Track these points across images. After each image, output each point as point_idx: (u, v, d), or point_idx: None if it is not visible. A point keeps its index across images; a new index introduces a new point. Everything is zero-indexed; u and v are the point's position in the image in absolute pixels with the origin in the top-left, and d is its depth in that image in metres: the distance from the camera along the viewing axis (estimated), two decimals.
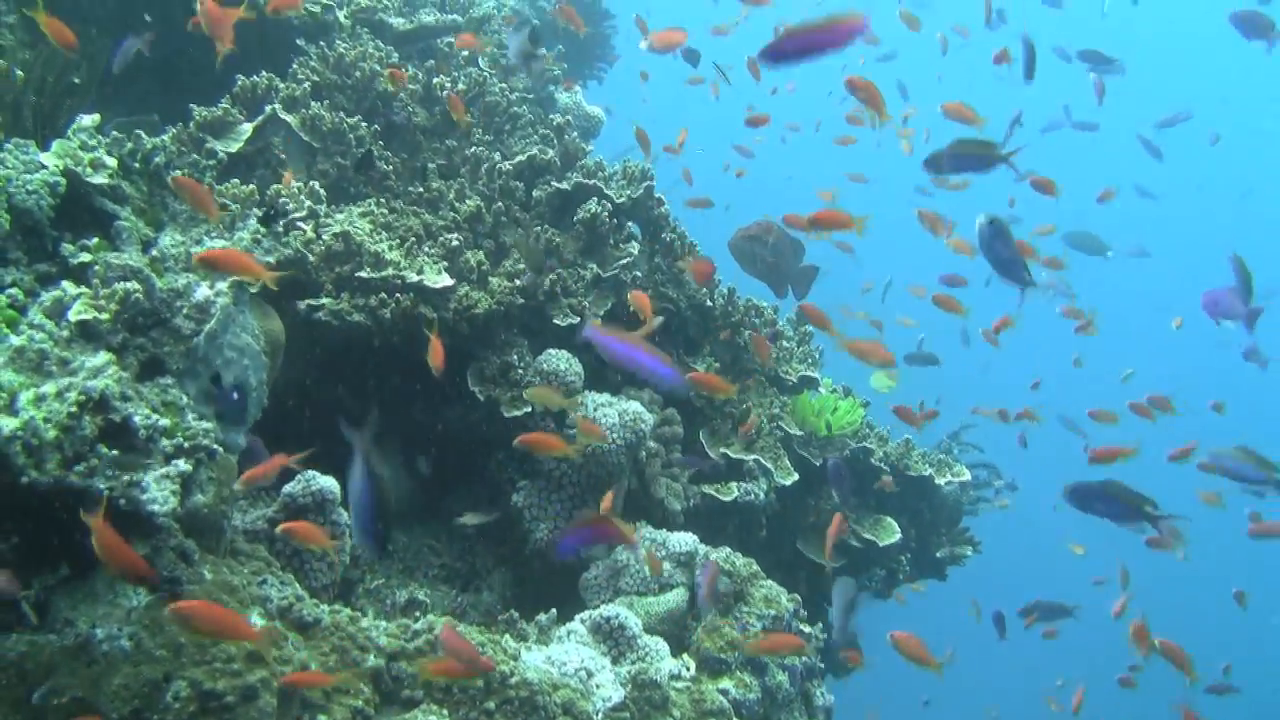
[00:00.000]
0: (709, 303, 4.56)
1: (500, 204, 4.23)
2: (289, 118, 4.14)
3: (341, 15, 4.97)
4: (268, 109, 4.15)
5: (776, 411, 4.74)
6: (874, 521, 5.22)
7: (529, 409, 3.89)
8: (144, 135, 3.10)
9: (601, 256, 4.30)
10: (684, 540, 3.86)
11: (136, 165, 3.06)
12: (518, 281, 3.98)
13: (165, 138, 3.12)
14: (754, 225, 4.56)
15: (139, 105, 4.75)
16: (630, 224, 4.55)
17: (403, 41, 5.24)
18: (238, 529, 3.07)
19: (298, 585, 2.96)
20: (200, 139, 4.03)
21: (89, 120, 3.02)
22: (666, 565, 3.81)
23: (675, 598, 3.75)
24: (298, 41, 4.76)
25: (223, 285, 2.90)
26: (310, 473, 3.32)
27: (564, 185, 4.37)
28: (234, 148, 4.04)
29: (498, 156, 4.43)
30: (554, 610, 3.58)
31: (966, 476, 5.71)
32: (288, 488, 3.30)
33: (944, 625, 5.96)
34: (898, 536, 5.16)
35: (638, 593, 3.78)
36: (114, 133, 3.08)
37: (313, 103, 4.23)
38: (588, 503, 3.96)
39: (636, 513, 4.15)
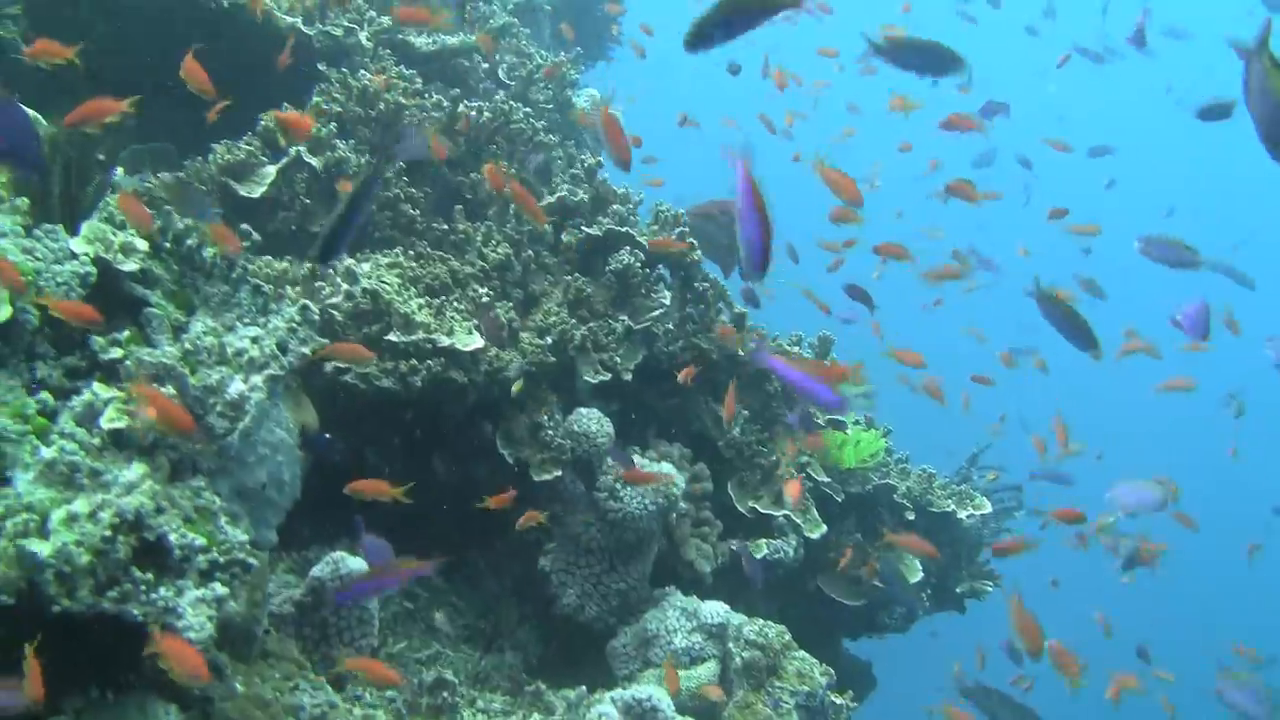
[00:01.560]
0: (740, 352, 4.44)
1: (529, 252, 4.10)
2: (313, 160, 4.01)
3: (363, 37, 4.81)
4: (292, 151, 4.01)
5: (805, 459, 4.64)
6: (896, 558, 5.15)
7: (558, 473, 3.79)
8: (174, 214, 2.97)
9: (633, 307, 4.19)
10: (715, 611, 3.78)
11: (167, 245, 2.93)
12: (548, 339, 3.86)
13: (205, 226, 2.96)
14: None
15: (151, 128, 4.61)
16: (661, 268, 4.42)
17: (425, 62, 5.08)
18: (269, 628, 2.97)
19: (329, 691, 2.87)
20: (223, 183, 3.90)
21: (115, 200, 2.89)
22: (698, 637, 3.72)
23: (707, 672, 3.67)
24: (319, 66, 4.61)
25: (257, 379, 2.78)
26: (339, 554, 3.23)
27: (595, 231, 4.24)
28: (257, 192, 3.92)
29: None
30: (583, 687, 3.50)
31: (987, 509, 5.63)
32: (316, 570, 3.21)
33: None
34: (920, 576, 5.09)
35: None
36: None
37: (338, 143, 4.09)
38: (616, 569, 3.87)
39: (665, 574, 4.06)
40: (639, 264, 4.15)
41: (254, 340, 2.84)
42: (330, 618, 3.20)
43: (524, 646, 3.98)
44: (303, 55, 4.64)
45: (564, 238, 4.26)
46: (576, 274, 4.19)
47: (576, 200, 4.36)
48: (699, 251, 4.40)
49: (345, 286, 3.27)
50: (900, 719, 6.88)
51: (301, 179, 4.03)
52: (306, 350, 2.89)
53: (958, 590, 5.63)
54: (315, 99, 4.42)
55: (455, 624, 3.97)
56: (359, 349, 3.18)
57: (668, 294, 4.24)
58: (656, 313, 4.16)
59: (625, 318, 4.12)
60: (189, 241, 2.91)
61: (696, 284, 4.35)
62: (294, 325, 2.89)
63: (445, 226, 4.19)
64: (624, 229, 4.25)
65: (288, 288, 3.15)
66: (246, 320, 2.92)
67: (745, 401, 4.57)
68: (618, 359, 4.03)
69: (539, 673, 3.91)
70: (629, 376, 4.07)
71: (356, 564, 3.19)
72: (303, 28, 4.60)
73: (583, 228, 4.28)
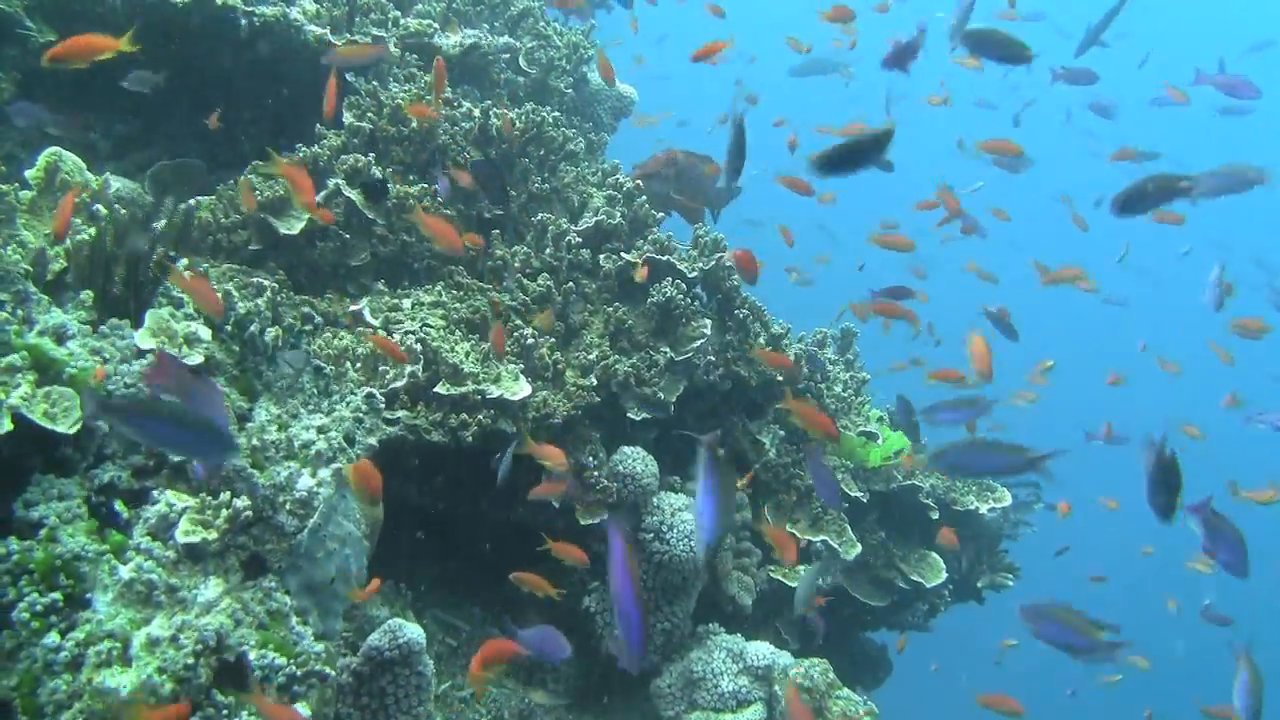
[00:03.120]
0: (779, 377, 4.41)
1: (570, 284, 4.06)
2: (352, 193, 3.93)
3: (391, 43, 4.70)
4: (330, 183, 3.94)
5: (841, 478, 4.64)
6: (920, 558, 5.17)
7: (604, 517, 3.78)
8: (235, 295, 2.92)
9: (674, 338, 4.15)
10: (762, 652, 3.80)
11: (229, 329, 2.89)
12: (592, 378, 3.83)
13: (262, 301, 2.91)
14: (650, 161, 4.31)
15: (173, 143, 4.53)
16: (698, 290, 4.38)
17: (454, 64, 4.97)
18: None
19: None
20: (260, 220, 3.83)
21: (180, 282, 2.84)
22: (744, 679, 3.75)
23: (754, 715, 3.71)
24: (347, 78, 4.51)
25: (325, 474, 2.76)
26: (396, 622, 3.22)
27: (634, 258, 4.19)
28: (296, 229, 3.85)
29: (565, 223, 4.23)
30: None
31: (1008, 501, 5.65)
32: (373, 639, 3.21)
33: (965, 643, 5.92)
34: (944, 575, 5.12)
35: (714, 709, 3.72)
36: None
37: (375, 170, 4.01)
38: (660, 608, 3.88)
39: (706, 607, 4.08)
40: (681, 295, 4.11)
41: (320, 431, 2.81)
42: (388, 686, 3.20)
43: (565, 679, 4.00)
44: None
45: (602, 262, 4.20)
46: (616, 303, 4.14)
47: (614, 224, 4.30)
48: (738, 278, 4.36)
49: (408, 367, 3.22)
50: (917, 701, 6.97)
51: (339, 209, 3.96)
52: (373, 441, 2.86)
53: (979, 585, 5.67)
54: (347, 116, 4.33)
55: None
56: None
57: (708, 322, 4.19)
58: (698, 343, 4.12)
59: (667, 349, 4.08)
60: (251, 327, 2.86)
61: (736, 310, 4.31)
62: (360, 415, 2.86)
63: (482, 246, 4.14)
64: (665, 258, 4.19)
65: (349, 367, 3.10)
66: (310, 406, 2.89)
67: (782, 422, 4.56)
68: (660, 394, 3.99)
69: (581, 708, 3.94)
70: (671, 411, 4.04)
71: (414, 631, 3.19)
72: (330, 38, 4.48)
73: (622, 254, 4.22)
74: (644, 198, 4.41)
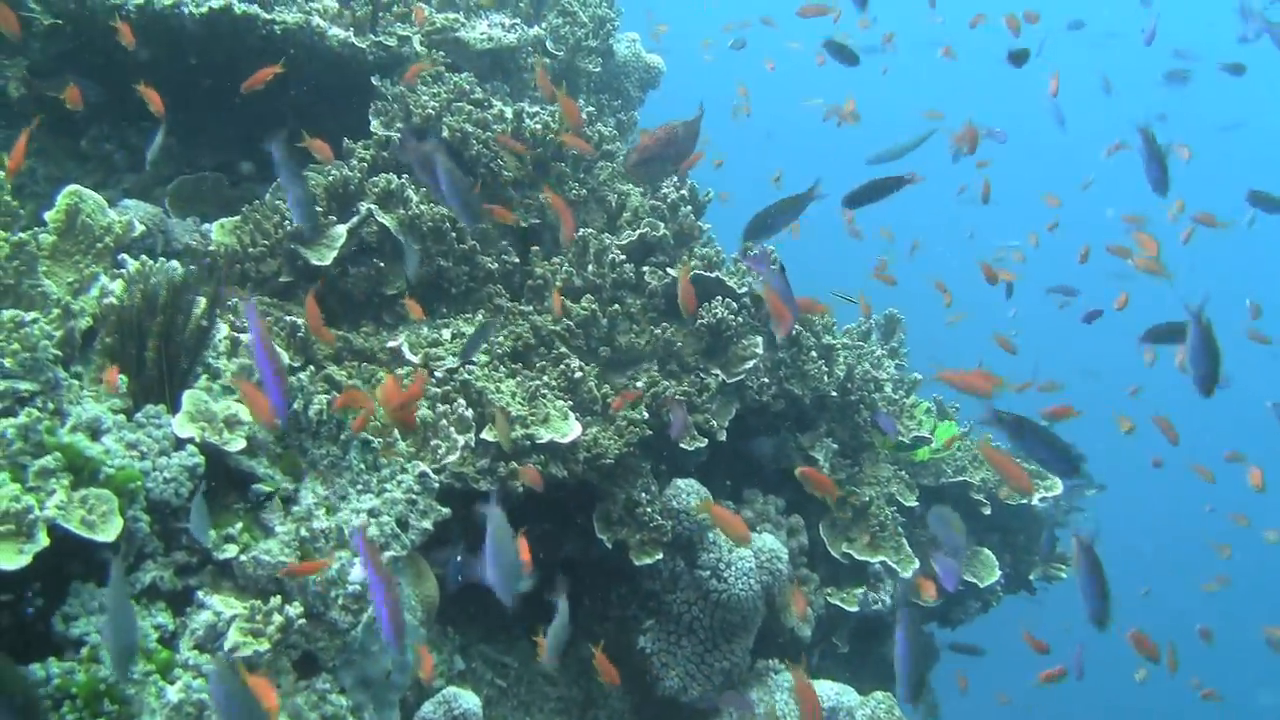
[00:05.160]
0: (833, 393, 4.23)
1: (616, 306, 3.86)
2: (386, 219, 3.73)
3: (416, 41, 4.46)
4: (363, 209, 3.74)
5: (894, 490, 4.47)
6: (972, 555, 5.03)
7: (659, 555, 3.63)
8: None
9: (725, 358, 3.96)
10: (826, 694, 3.67)
11: None
12: (642, 410, 3.65)
13: (304, 377, 2.72)
14: (649, 142, 4.05)
15: (191, 151, 4.33)
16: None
17: (478, 59, 4.74)
18: None
19: None
20: (291, 250, 3.63)
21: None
22: None
23: None
24: (372, 81, 4.28)
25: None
26: (451, 691, 3.08)
27: (679, 273, 3.99)
28: (328, 259, 3.65)
29: (607, 238, 4.02)
30: None
31: (1059, 489, 5.49)
32: (426, 710, 3.07)
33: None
34: (999, 574, 4.98)
35: None
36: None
37: (409, 193, 3.80)
38: (719, 646, 3.74)
39: (764, 639, 3.93)
40: (732, 315, 3.91)
41: (372, 515, 2.64)
42: None
43: (619, 715, 3.88)
44: (355, 70, 4.32)
45: (647, 279, 4.00)
46: (664, 323, 3.95)
47: (659, 236, 4.09)
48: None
49: (460, 439, 3.03)
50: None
51: (373, 235, 3.76)
52: (428, 524, 2.69)
53: (1031, 577, 5.53)
54: (374, 124, 4.12)
55: (549, 696, 3.85)
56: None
57: (760, 340, 4.00)
58: (751, 364, 3.93)
59: (718, 371, 3.90)
60: (294, 404, 2.68)
61: None
62: (413, 496, 2.69)
63: (517, 261, 3.96)
64: (714, 274, 3.99)
65: (398, 440, 2.91)
66: (359, 486, 2.71)
67: (834, 434, 4.39)
68: (713, 421, 3.82)
69: None
70: (723, 436, 3.86)
71: (469, 702, 3.05)
72: (355, 41, 4.25)
73: (667, 269, 4.02)
74: (689, 209, 4.19)
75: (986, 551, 5.03)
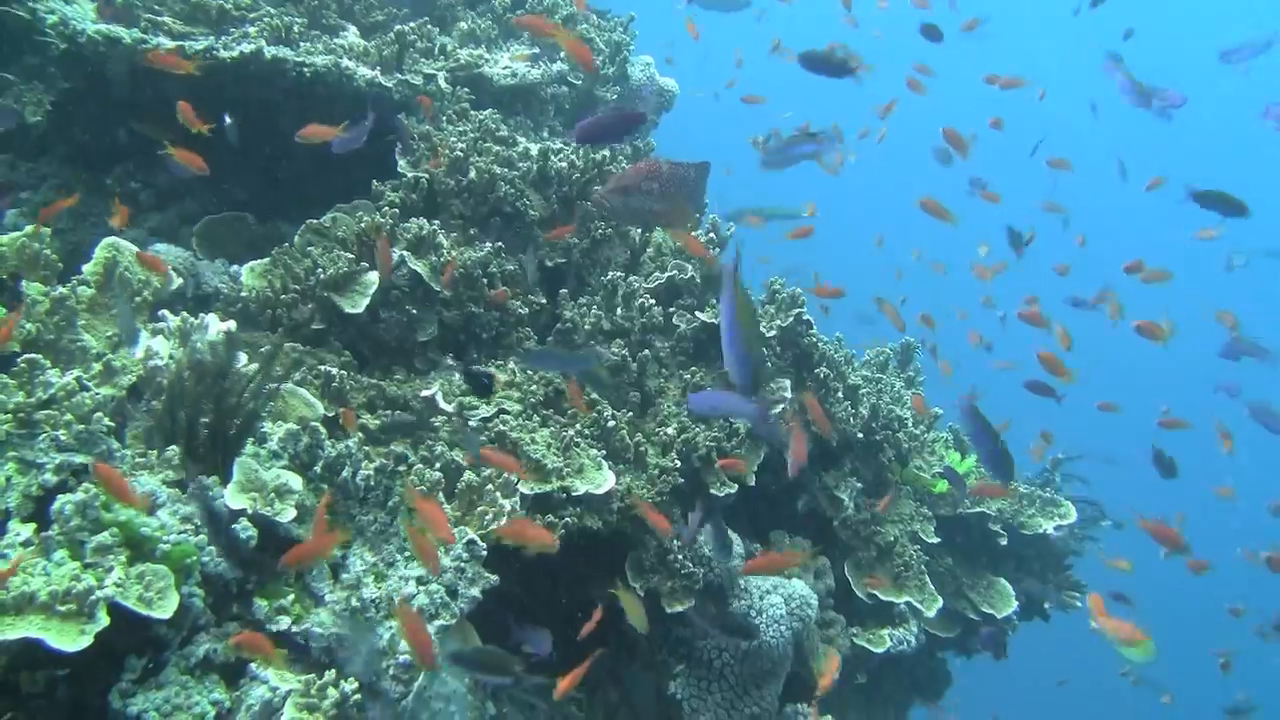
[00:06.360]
0: (859, 435, 4.25)
1: (646, 351, 3.88)
2: (418, 266, 3.73)
3: (441, 79, 4.47)
4: (395, 255, 3.74)
5: (918, 527, 4.49)
6: (988, 585, 5.05)
7: (691, 603, 3.64)
8: (322, 432, 2.74)
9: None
10: None
11: (318, 472, 2.72)
12: (674, 457, 3.67)
13: (352, 444, 2.73)
14: (627, 174, 3.90)
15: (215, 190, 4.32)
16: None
17: (501, 95, 4.74)
18: None
19: None
20: (324, 298, 3.64)
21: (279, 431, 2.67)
22: None
23: None
24: (400, 118, 4.28)
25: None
26: None
27: (709, 318, 4.01)
28: (361, 305, 3.66)
29: (636, 281, 4.04)
30: None
31: (1073, 517, 5.52)
32: None
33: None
34: (1015, 604, 5.01)
35: None
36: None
37: (441, 240, 3.81)
38: (749, 693, 3.76)
39: (791, 683, 3.95)
40: (762, 360, 3.93)
41: (420, 583, 2.65)
42: None
43: None
44: (382, 109, 4.32)
45: (675, 321, 4.02)
46: (693, 366, 3.97)
47: (686, 278, 4.10)
48: (816, 331, 4.18)
49: (506, 504, 3.04)
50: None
51: (404, 280, 3.76)
52: (477, 592, 2.70)
53: (1045, 606, 5.56)
54: (402, 165, 4.13)
55: None
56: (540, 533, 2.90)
57: (787, 383, 4.02)
58: (780, 407, 3.95)
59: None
60: (344, 472, 2.69)
61: (818, 370, 4.13)
62: (461, 564, 2.70)
63: (546, 303, 3.98)
64: None
65: (445, 504, 2.93)
66: (407, 553, 2.72)
67: (859, 473, 4.41)
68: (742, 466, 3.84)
69: None
70: (752, 481, 3.88)
71: None
72: (381, 80, 4.25)
73: (696, 313, 4.04)
74: (717, 250, 4.20)
75: (1002, 581, 5.05)
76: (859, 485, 4.36)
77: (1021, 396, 5.56)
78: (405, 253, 3.73)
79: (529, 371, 3.74)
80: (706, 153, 3.81)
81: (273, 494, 2.61)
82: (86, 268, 3.26)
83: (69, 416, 2.53)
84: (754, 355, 2.83)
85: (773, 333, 4.08)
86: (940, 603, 4.37)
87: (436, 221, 3.85)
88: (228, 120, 3.70)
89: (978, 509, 5.04)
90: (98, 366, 2.90)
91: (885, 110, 7.24)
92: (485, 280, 3.83)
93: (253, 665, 2.46)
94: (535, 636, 3.10)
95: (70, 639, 2.20)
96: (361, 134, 3.68)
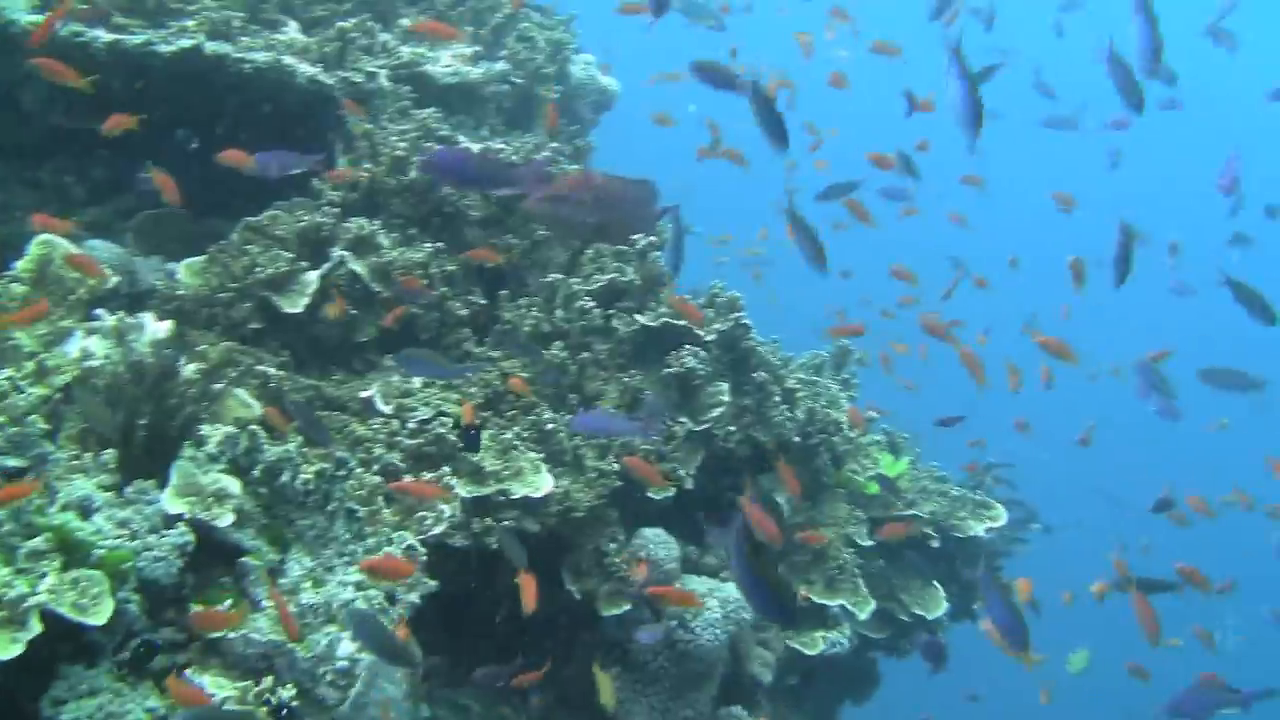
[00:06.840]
0: (796, 439, 4.30)
1: (587, 353, 3.89)
2: (358, 266, 3.72)
3: (384, 77, 4.45)
4: (335, 255, 3.72)
5: (852, 530, 4.54)
6: (920, 587, 5.10)
7: (627, 607, 3.67)
8: (263, 438, 2.73)
9: (692, 407, 4.01)
10: None
11: (256, 475, 2.70)
12: (612, 460, 3.69)
13: (292, 448, 2.72)
14: (559, 182, 3.85)
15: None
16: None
17: (443, 94, 4.73)
18: None
19: None
20: (263, 298, 3.62)
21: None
22: None
23: None
24: (339, 114, 4.26)
25: None
26: None
27: (649, 321, 4.03)
28: (300, 305, 3.64)
29: (575, 283, 4.04)
30: None
31: (1004, 520, 5.59)
32: None
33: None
34: (945, 606, 5.06)
35: None
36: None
37: (381, 240, 3.80)
38: (683, 695, 3.79)
39: (727, 685, 3.99)
40: (701, 364, 3.96)
41: (359, 588, 2.65)
42: None
43: None
44: (324, 106, 4.30)
45: (615, 325, 4.03)
46: (632, 370, 3.99)
47: (627, 280, 4.12)
48: (755, 336, 4.21)
49: (446, 509, 3.03)
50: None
51: (343, 280, 3.75)
52: (416, 598, 2.71)
53: (974, 608, 5.63)
54: (342, 162, 4.11)
55: None
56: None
57: (725, 386, 4.05)
58: (717, 412, 3.98)
59: (686, 419, 3.95)
60: (283, 476, 2.68)
61: (756, 374, 4.16)
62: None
63: (485, 303, 3.98)
64: (682, 323, 4.03)
65: (383, 508, 2.93)
66: (346, 557, 2.72)
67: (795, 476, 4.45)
68: (680, 470, 3.86)
69: None
70: (690, 484, 3.91)
71: None
72: (323, 78, 4.23)
73: (636, 316, 4.06)
74: (657, 254, 4.21)
75: (934, 584, 5.11)
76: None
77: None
78: (345, 253, 3.71)
79: (468, 375, 3.74)
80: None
81: (211, 498, 2.59)
82: (19, 264, 3.22)
83: (2, 418, 2.50)
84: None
85: (712, 336, 4.10)
86: (873, 605, 4.43)
87: (377, 221, 3.84)
88: (180, 133, 3.67)
89: (910, 511, 5.10)
90: (30, 365, 2.86)
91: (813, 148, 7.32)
92: (427, 281, 3.82)
93: (188, 672, 2.45)
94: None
95: (1, 647, 2.18)
96: (301, 164, 3.66)
